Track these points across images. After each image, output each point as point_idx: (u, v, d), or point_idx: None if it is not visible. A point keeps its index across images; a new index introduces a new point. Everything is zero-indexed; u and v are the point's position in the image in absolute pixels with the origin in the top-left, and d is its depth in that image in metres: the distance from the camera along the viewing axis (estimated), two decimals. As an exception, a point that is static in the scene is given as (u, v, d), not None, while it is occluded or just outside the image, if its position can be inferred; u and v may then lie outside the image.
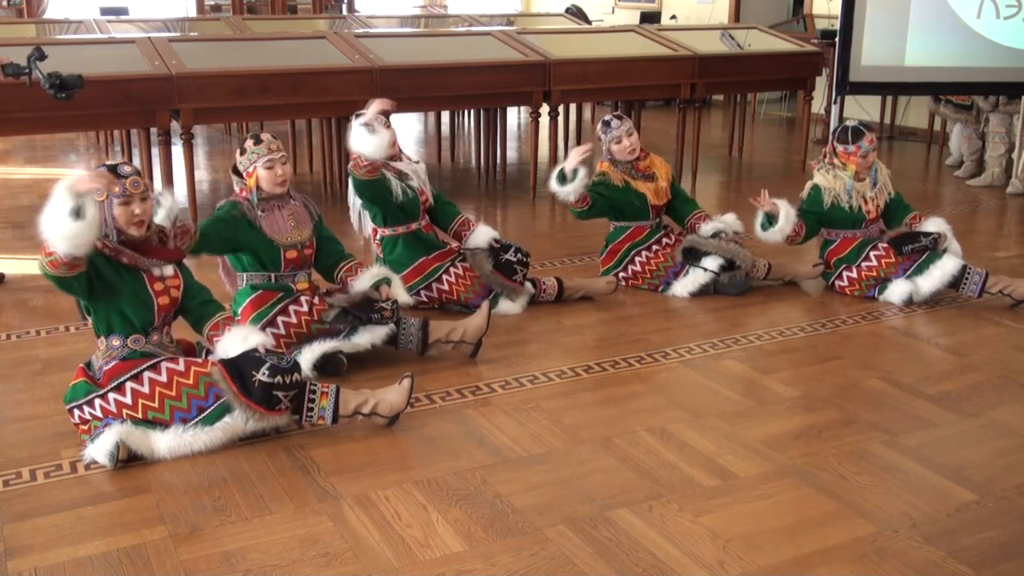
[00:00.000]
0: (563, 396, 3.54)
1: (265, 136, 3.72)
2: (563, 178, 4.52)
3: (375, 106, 4.06)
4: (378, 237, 4.40)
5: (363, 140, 4.01)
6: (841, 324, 4.32)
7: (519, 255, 4.37)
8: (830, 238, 4.70)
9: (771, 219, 4.59)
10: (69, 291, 3.02)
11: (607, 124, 4.71)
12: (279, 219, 3.73)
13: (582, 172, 4.50)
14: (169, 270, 3.19)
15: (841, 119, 6.96)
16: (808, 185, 4.71)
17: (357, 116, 4.08)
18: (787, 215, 4.56)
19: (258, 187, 3.68)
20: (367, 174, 4.11)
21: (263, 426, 3.08)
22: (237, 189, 3.77)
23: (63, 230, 2.76)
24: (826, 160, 4.68)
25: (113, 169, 3.06)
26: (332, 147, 6.84)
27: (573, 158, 4.52)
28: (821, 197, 4.60)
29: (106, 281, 3.03)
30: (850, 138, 4.57)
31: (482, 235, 4.41)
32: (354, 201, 4.39)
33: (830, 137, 4.76)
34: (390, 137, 4.11)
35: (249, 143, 3.71)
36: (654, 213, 4.76)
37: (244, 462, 3.01)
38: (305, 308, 3.68)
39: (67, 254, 2.81)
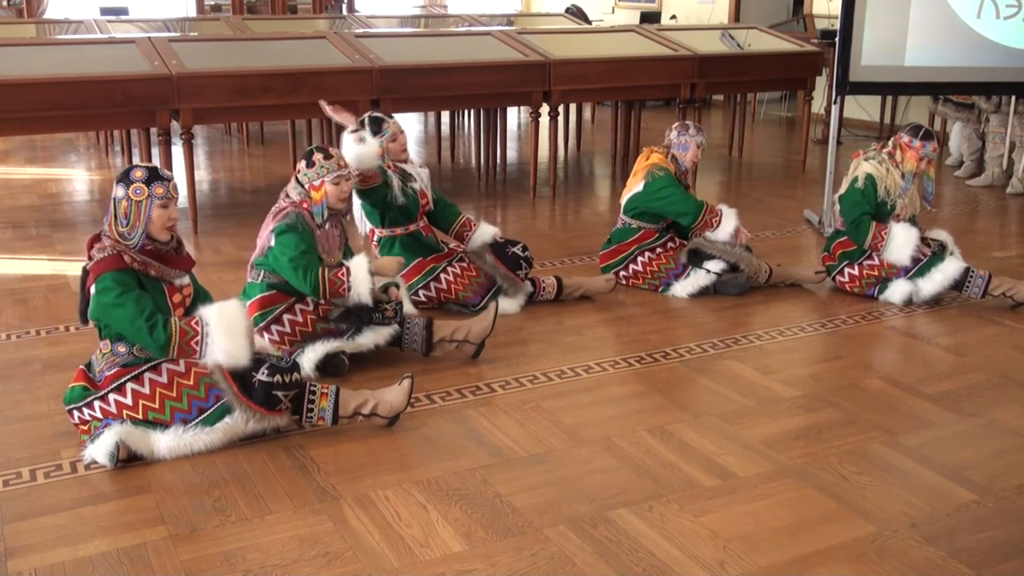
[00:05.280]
0: (563, 396, 3.54)
1: (334, 151, 3.74)
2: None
3: (346, 115, 4.19)
4: (376, 238, 4.41)
5: (349, 149, 4.06)
6: (841, 324, 4.32)
7: (526, 252, 4.44)
8: (844, 230, 4.66)
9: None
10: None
11: (687, 127, 4.74)
12: (330, 238, 3.76)
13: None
14: (185, 279, 3.21)
15: (841, 119, 6.97)
16: (860, 175, 4.57)
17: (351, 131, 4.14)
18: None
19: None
20: (361, 183, 4.13)
21: (263, 427, 3.08)
22: (297, 198, 3.69)
23: (227, 354, 2.96)
24: (883, 151, 4.62)
25: (156, 171, 3.10)
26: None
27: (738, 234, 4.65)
28: (876, 187, 4.53)
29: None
30: (922, 134, 4.54)
31: (486, 232, 4.46)
32: (355, 201, 4.38)
33: (900, 132, 4.65)
34: (376, 147, 4.15)
35: (318, 156, 3.68)
36: (668, 220, 4.77)
37: (244, 462, 3.02)
38: (311, 307, 3.69)
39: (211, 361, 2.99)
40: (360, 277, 3.64)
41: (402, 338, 3.78)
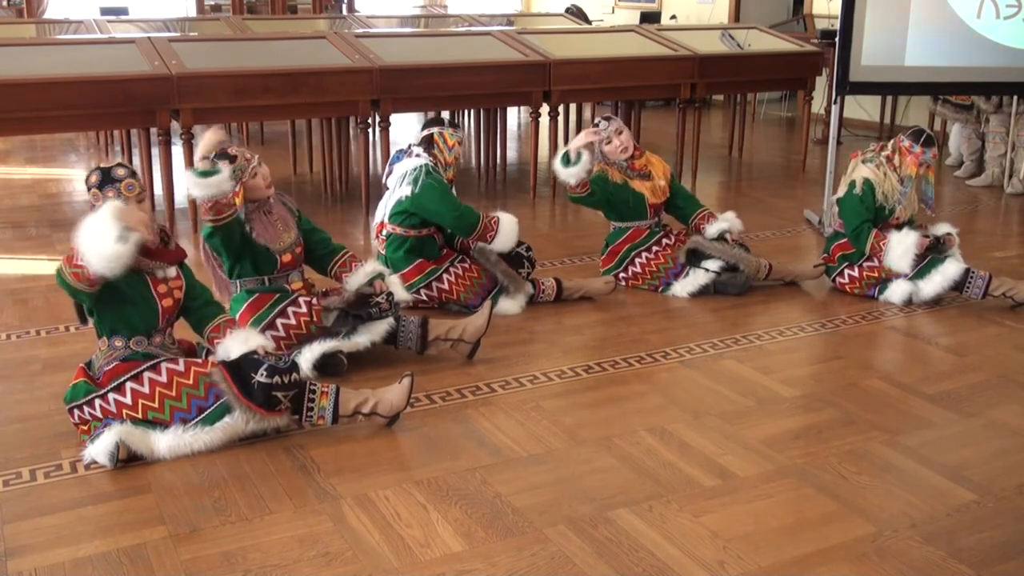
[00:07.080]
0: (563, 396, 3.54)
1: (234, 150, 3.57)
2: (567, 160, 4.52)
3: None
4: (384, 232, 4.39)
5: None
6: (841, 324, 4.32)
7: (530, 252, 4.47)
8: (842, 232, 4.65)
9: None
10: (77, 298, 3.05)
11: (595, 127, 4.71)
12: (268, 225, 3.69)
13: (586, 156, 4.50)
14: (172, 271, 3.19)
15: (841, 119, 6.96)
16: (857, 179, 4.54)
17: None
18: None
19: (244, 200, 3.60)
20: (486, 236, 4.31)
21: (263, 427, 3.08)
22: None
23: (104, 251, 2.79)
24: (881, 153, 4.59)
25: (107, 172, 3.07)
26: (332, 147, 6.84)
27: (579, 140, 4.54)
28: (874, 192, 4.51)
29: (112, 286, 3.02)
30: (923, 140, 4.51)
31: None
32: (398, 193, 4.29)
33: (901, 135, 4.61)
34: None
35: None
36: (652, 212, 4.76)
37: (244, 462, 3.01)
38: (304, 309, 3.68)
39: (98, 274, 2.84)
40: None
41: (397, 335, 3.77)
